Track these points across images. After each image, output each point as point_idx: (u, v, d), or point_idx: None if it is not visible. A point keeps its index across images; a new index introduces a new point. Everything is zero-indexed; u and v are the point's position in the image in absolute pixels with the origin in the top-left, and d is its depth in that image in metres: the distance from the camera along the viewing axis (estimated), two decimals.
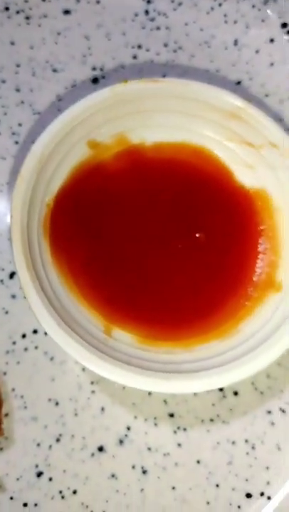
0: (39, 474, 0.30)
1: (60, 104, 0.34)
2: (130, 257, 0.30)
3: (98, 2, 0.37)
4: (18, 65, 0.36)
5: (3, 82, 0.35)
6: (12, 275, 0.32)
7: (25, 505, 0.30)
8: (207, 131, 0.31)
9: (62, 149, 0.28)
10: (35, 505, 0.30)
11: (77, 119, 0.28)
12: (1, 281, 0.32)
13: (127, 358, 0.27)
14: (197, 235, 0.30)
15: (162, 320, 0.29)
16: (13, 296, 0.31)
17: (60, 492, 0.30)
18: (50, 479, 0.30)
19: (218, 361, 0.28)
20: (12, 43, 0.36)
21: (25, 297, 0.27)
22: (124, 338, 0.29)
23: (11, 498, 0.30)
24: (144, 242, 0.30)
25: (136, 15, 0.37)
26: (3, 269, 0.32)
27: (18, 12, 0.37)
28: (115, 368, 0.26)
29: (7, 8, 0.37)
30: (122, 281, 0.29)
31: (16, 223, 0.26)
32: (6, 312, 0.31)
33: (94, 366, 0.26)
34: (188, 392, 0.26)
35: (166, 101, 0.30)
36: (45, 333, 0.31)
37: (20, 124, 0.34)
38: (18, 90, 0.35)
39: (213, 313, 0.29)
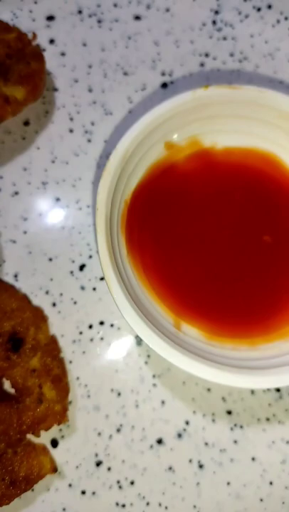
0: (98, 463, 0.31)
1: (131, 106, 0.36)
2: (198, 254, 0.31)
3: (168, 10, 0.38)
4: (90, 66, 0.37)
5: (76, 81, 0.36)
6: (82, 267, 0.33)
7: (83, 492, 0.31)
8: (277, 138, 0.32)
9: (142, 149, 0.29)
10: (93, 493, 0.30)
11: (159, 121, 0.29)
12: (71, 272, 0.32)
13: (195, 350, 0.28)
14: (264, 238, 0.31)
15: (228, 317, 0.30)
16: (82, 288, 0.32)
17: (118, 482, 0.31)
18: (109, 469, 0.31)
19: (282, 361, 0.29)
20: (84, 45, 0.37)
21: (107, 288, 0.27)
22: (192, 332, 0.29)
23: (70, 486, 0.31)
24: (212, 242, 0.31)
25: (204, 24, 0.38)
26: (73, 261, 0.33)
27: (90, 16, 0.38)
28: (186, 358, 0.27)
29: (80, 12, 0.38)
30: (190, 277, 0.30)
31: (101, 217, 0.27)
32: (75, 302, 0.32)
33: (167, 354, 0.26)
34: (252, 387, 0.27)
35: (241, 107, 0.31)
36: (111, 325, 0.33)
37: (92, 123, 0.35)
38: (90, 90, 0.36)
39: (277, 314, 0.30)
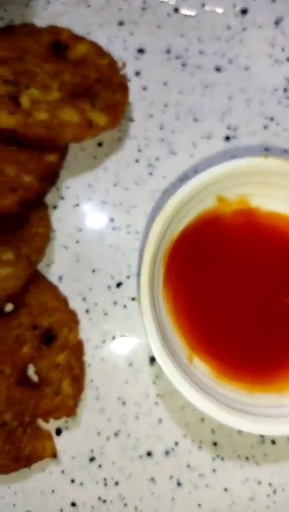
0: (92, 459, 0.35)
1: (193, 151, 0.39)
2: (224, 302, 0.34)
3: (247, 68, 0.42)
4: (166, 105, 0.40)
5: (151, 116, 0.40)
6: (119, 285, 0.36)
7: (72, 481, 0.34)
8: None
9: (197, 199, 0.33)
10: (81, 484, 0.34)
11: (217, 178, 0.32)
12: (109, 287, 0.36)
13: (200, 384, 0.32)
14: (285, 300, 0.34)
15: (236, 362, 0.33)
16: (115, 303, 0.36)
17: (105, 479, 0.34)
18: (100, 466, 0.34)
19: (273, 413, 0.32)
20: (165, 84, 0.41)
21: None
22: (201, 367, 0.33)
23: (62, 472, 0.34)
24: (238, 293, 0.34)
25: (275, 89, 0.42)
26: (112, 278, 0.36)
27: (177, 57, 0.41)
28: (190, 388, 0.30)
29: (168, 51, 0.42)
30: (211, 320, 0.34)
31: (149, 250, 0.31)
32: (105, 314, 0.36)
33: (176, 381, 0.30)
34: (239, 428, 0.30)
35: None
36: (131, 342, 0.36)
37: (157, 158, 0.39)
38: (161, 128, 0.40)
39: (280, 368, 0.34)
